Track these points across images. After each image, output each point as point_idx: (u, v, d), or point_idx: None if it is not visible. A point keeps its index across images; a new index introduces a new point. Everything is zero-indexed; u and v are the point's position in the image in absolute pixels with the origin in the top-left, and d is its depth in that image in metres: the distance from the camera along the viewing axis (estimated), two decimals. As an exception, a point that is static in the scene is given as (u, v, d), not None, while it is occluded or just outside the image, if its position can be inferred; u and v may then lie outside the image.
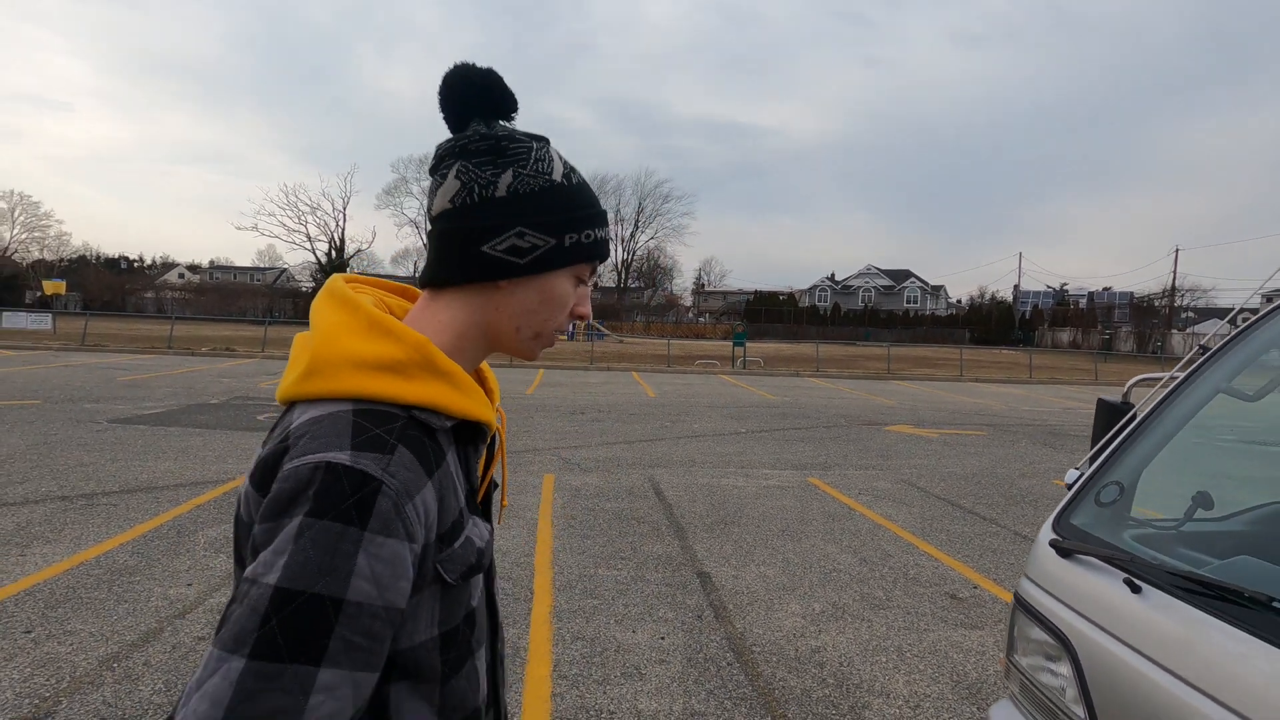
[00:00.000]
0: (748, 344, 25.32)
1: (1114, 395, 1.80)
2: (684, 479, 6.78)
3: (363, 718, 0.66)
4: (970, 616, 3.83)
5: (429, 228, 0.77)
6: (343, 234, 57.33)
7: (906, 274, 75.52)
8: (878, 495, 6.46)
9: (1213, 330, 1.63)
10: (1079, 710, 1.34)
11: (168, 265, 76.62)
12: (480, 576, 0.76)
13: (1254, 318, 1.51)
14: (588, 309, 0.82)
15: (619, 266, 66.65)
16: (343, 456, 0.61)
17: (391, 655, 0.66)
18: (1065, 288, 72.90)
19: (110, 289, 55.08)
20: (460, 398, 0.71)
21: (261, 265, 73.71)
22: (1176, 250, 52.58)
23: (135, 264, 76.16)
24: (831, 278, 77.17)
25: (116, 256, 75.00)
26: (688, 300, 75.97)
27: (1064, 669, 1.40)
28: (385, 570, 0.60)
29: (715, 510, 5.72)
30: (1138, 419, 1.59)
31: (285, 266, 70.28)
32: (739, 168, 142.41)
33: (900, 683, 3.10)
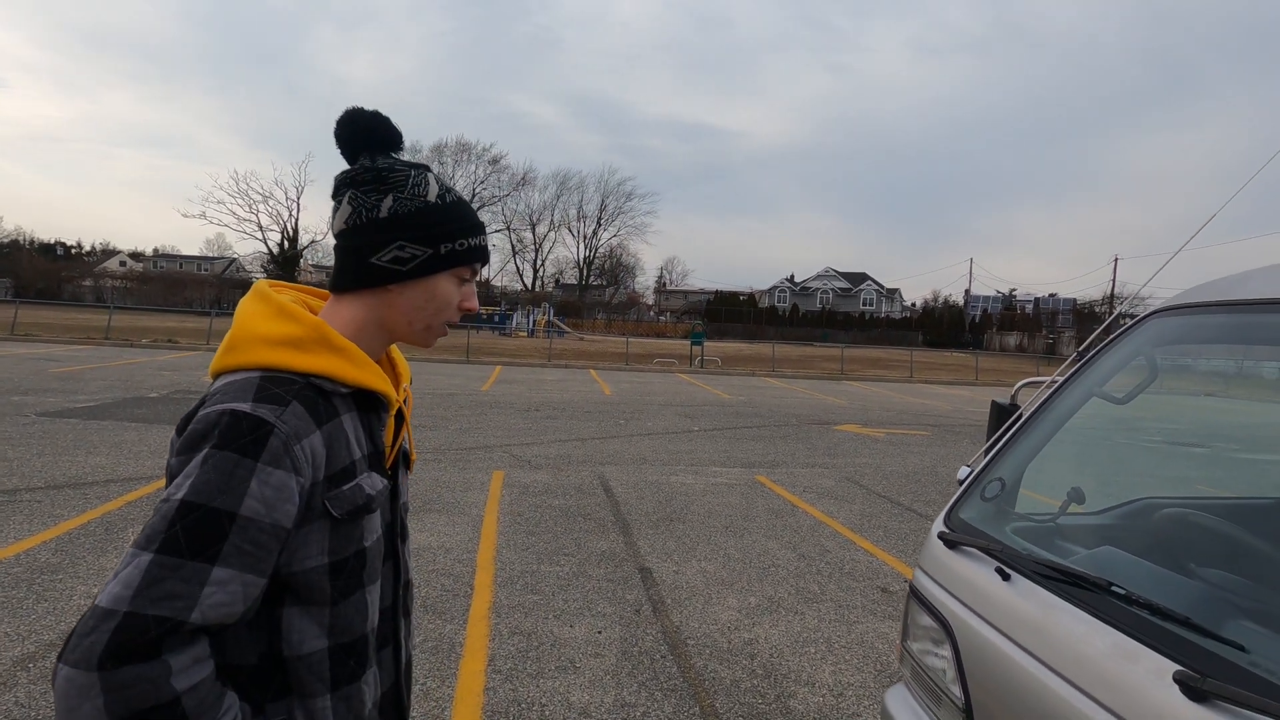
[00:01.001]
0: (706, 343, 25.57)
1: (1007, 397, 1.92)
2: (633, 476, 6.85)
3: (260, 638, 0.82)
4: (898, 609, 3.99)
5: (334, 243, 0.94)
6: (296, 224, 55.82)
7: (863, 277, 77.18)
8: (821, 493, 6.64)
9: (1091, 336, 1.76)
10: (956, 690, 1.44)
11: (108, 252, 73.50)
12: (375, 519, 0.91)
13: (1124, 326, 1.64)
14: (474, 303, 1.00)
15: (580, 264, 66.57)
16: (244, 406, 0.78)
17: (286, 578, 0.81)
18: (1014, 293, 75.49)
19: (45, 276, 52.47)
20: (353, 369, 0.87)
21: (210, 254, 71.31)
22: (1116, 259, 55.06)
23: (73, 250, 72.87)
24: (791, 279, 78.36)
25: (52, 242, 71.64)
26: (650, 299, 76.27)
27: (945, 652, 1.50)
28: (273, 494, 0.76)
29: (662, 507, 5.81)
30: (1023, 419, 1.71)
31: (235, 256, 68.05)
32: (704, 168, 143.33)
33: (826, 672, 3.22)
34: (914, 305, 75.99)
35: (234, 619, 0.75)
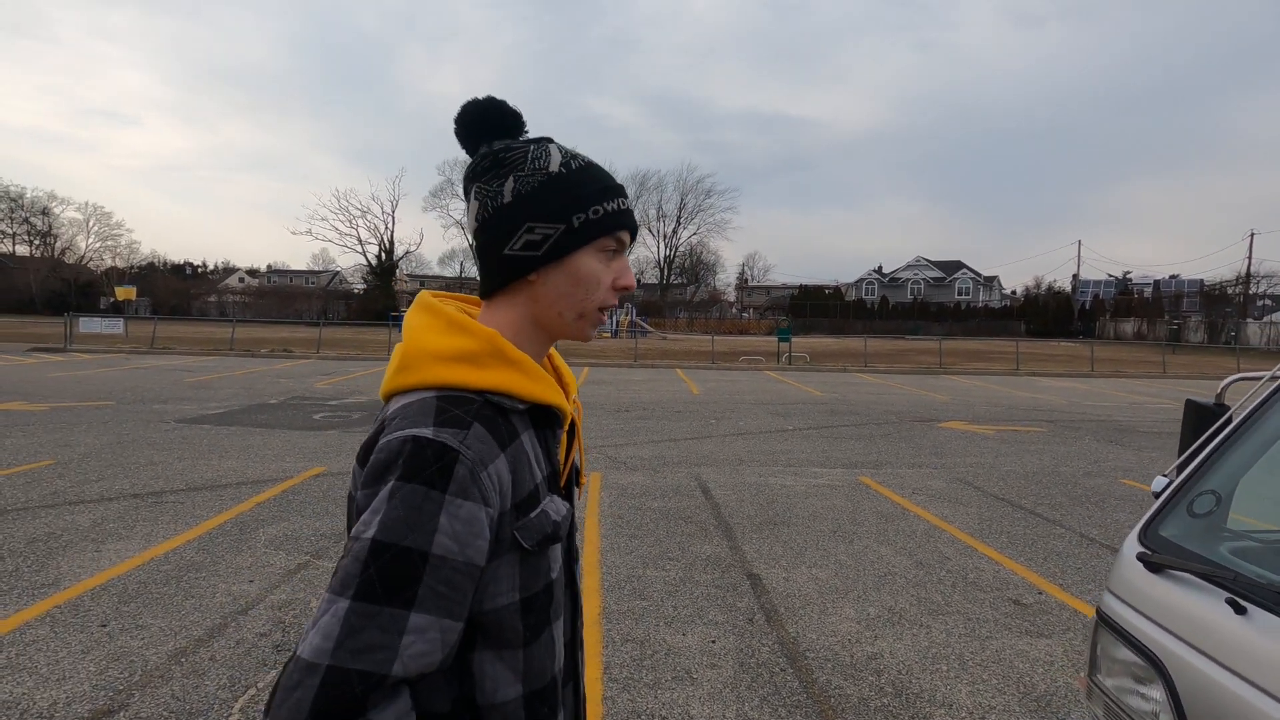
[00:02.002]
0: (793, 339, 24.96)
1: (1194, 392, 1.67)
2: (731, 477, 6.70)
3: (453, 683, 0.76)
4: (1035, 624, 3.67)
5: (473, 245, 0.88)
6: (392, 236, 58.78)
7: (958, 265, 73.31)
8: (932, 495, 6.26)
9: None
10: (1174, 739, 1.24)
11: (228, 270, 79.86)
12: (558, 548, 0.84)
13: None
14: (629, 279, 0.88)
15: (660, 263, 66.60)
16: (426, 431, 0.72)
17: (477, 618, 0.75)
18: (1128, 276, 69.71)
19: (176, 294, 57.68)
20: (530, 383, 0.80)
21: (315, 268, 76.15)
22: (1252, 234, 49.49)
23: (199, 269, 79.55)
24: (879, 270, 75.47)
25: (182, 263, 78.48)
26: (731, 296, 75.39)
27: (1156, 693, 1.30)
28: (463, 529, 0.70)
29: (764, 510, 5.63)
30: (1234, 422, 1.47)
31: (338, 269, 72.41)
32: (784, 160, 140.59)
33: (963, 693, 2.98)
34: (1014, 293, 71.50)
35: (433, 669, 0.70)
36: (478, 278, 0.89)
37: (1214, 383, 19.50)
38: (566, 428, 0.89)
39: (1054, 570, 4.47)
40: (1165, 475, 1.53)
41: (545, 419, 0.85)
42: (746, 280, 77.76)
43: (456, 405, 0.76)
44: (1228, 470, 1.43)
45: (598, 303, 0.86)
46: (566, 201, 0.82)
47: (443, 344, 0.80)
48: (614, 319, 41.01)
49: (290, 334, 31.01)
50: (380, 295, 53.64)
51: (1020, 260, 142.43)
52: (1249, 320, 46.99)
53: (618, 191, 0.86)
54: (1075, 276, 67.46)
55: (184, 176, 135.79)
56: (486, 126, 0.85)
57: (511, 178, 0.82)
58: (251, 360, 18.88)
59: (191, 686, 2.84)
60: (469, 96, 0.87)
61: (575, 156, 0.86)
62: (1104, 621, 1.46)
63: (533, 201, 0.82)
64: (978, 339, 43.32)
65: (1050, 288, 67.59)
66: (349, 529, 0.78)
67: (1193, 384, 19.08)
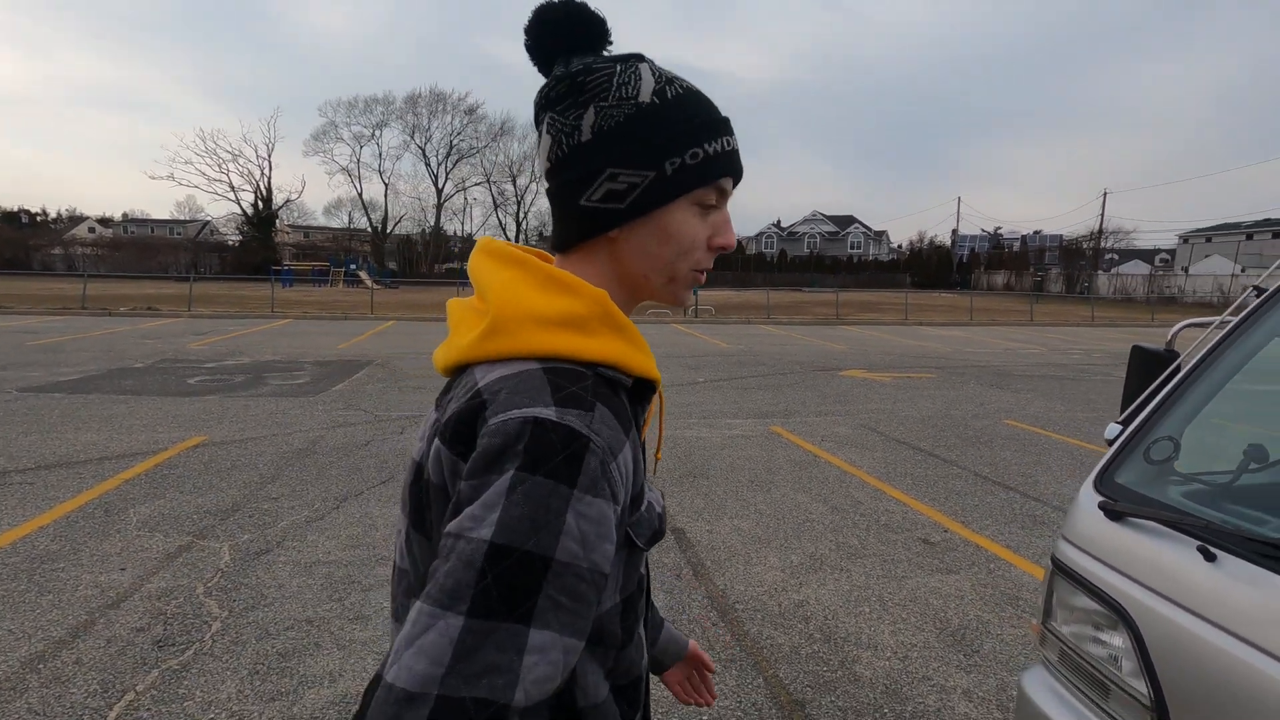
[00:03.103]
0: (699, 292, 25.23)
1: (1054, 339, 1.68)
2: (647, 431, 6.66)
3: (553, 696, 0.64)
4: (944, 561, 3.86)
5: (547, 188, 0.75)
6: (269, 183, 53.86)
7: (850, 220, 76.46)
8: (840, 441, 6.49)
9: (1268, 270, 1.51)
10: (1140, 685, 1.24)
11: (75, 219, 70.93)
12: None
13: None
14: (730, 237, 0.74)
15: (564, 215, 65.03)
16: (548, 412, 0.60)
17: None
18: (999, 231, 75.25)
19: (12, 245, 50.62)
20: (637, 354, 0.70)
21: (182, 217, 69.01)
22: (1105, 193, 54.47)
23: (38, 218, 70.26)
24: (778, 224, 77.50)
25: (16, 210, 68.96)
26: (635, 249, 74.89)
27: (1117, 640, 1.30)
28: (591, 530, 0.59)
29: (682, 463, 5.63)
30: (1184, 368, 1.47)
31: (208, 219, 65.80)
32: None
33: (886, 633, 3.07)
34: (900, 247, 75.61)
35: (551, 694, 0.59)
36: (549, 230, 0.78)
37: (1071, 330, 21.53)
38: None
39: (955, 508, 4.73)
40: (1118, 422, 1.52)
41: (640, 395, 0.73)
42: (650, 233, 77.43)
43: (571, 380, 0.63)
44: (1180, 416, 1.43)
45: (690, 265, 0.73)
46: (659, 142, 0.68)
47: (546, 305, 0.67)
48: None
49: (156, 290, 28.02)
50: (259, 248, 49.36)
51: (907, 215, 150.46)
52: (1099, 272, 52.09)
53: (722, 127, 0.71)
54: (954, 232, 72.03)
55: (15, 111, 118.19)
56: (563, 39, 0.71)
57: (592, 109, 0.68)
58: (109, 320, 16.91)
59: (53, 697, 2.46)
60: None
61: (672, 81, 0.71)
62: (1061, 570, 1.46)
63: (617, 141, 0.68)
64: (869, 291, 45.62)
65: (932, 242, 71.93)
66: (415, 522, 0.68)
67: (1055, 331, 20.93)
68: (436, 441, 0.65)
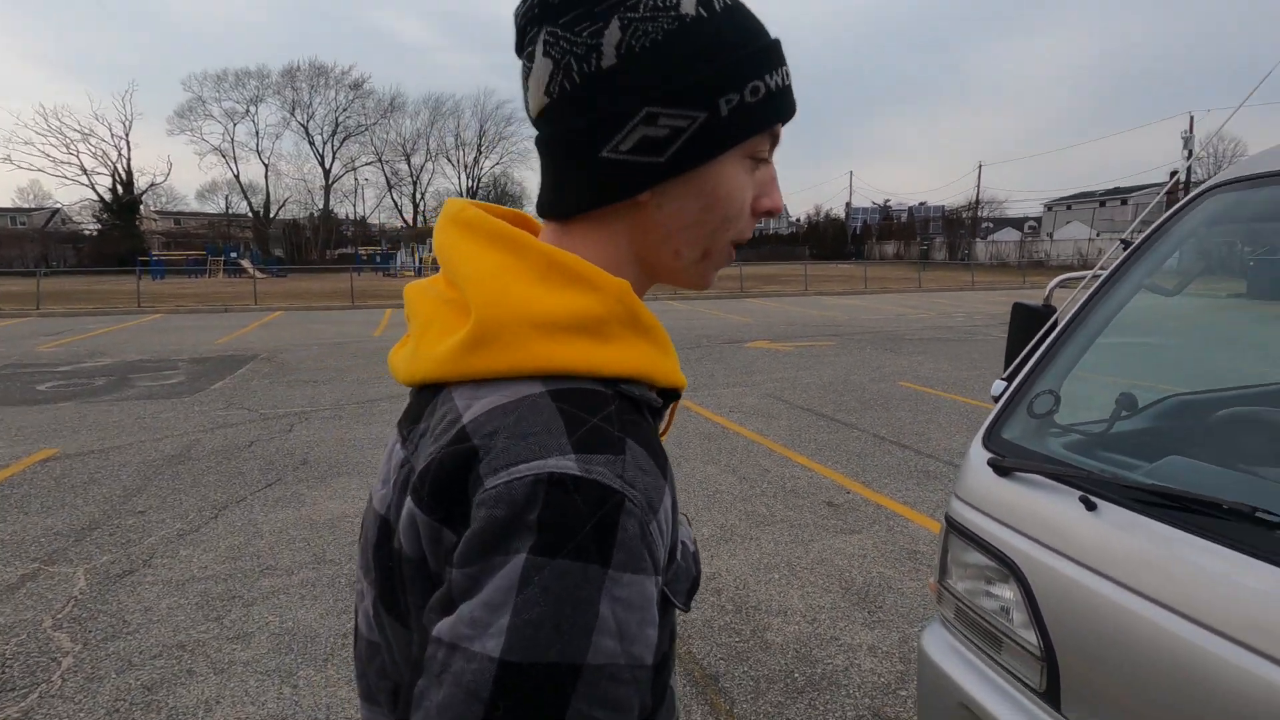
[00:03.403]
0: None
1: (941, 303, 1.71)
2: (556, 414, 6.53)
3: None
4: (847, 522, 3.98)
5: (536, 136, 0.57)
6: (129, 165, 48.72)
7: (751, 195, 78.05)
8: (747, 412, 6.60)
9: (1131, 226, 1.57)
10: (1030, 636, 1.26)
11: (-111, 209, 61.77)
12: None
13: (1173, 209, 1.45)
14: (778, 199, 0.58)
15: (464, 195, 62.93)
16: (569, 463, 0.44)
17: None
18: (889, 203, 79.21)
19: None
20: (666, 360, 0.55)
21: (26, 205, 61.56)
22: (980, 165, 58.52)
23: None
24: (681, 201, 78.01)
25: None
26: (540, 228, 73.61)
27: (1008, 592, 1.32)
28: (632, 619, 0.44)
29: (592, 443, 5.55)
30: (1060, 323, 1.51)
31: (58, 206, 58.99)
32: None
33: (795, 597, 3.12)
34: (799, 221, 78.21)
35: None
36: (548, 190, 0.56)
37: (955, 294, 23.00)
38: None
39: (856, 470, 4.90)
40: (1002, 379, 1.54)
41: (658, 408, 0.56)
42: (555, 212, 76.18)
43: (591, 408, 0.47)
44: (1059, 369, 1.47)
45: (733, 235, 0.57)
46: (712, 72, 0.51)
47: (552, 304, 0.50)
48: (417, 257, 38.37)
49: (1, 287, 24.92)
50: (122, 237, 44.73)
51: (804, 190, 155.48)
52: (978, 240, 55.92)
53: (779, 52, 0.55)
54: (848, 205, 75.25)
55: None
56: None
57: (616, 21, 0.50)
58: (-61, 323, 14.86)
59: None
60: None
61: None
62: (953, 528, 1.47)
63: (654, 68, 0.50)
64: (772, 264, 46.96)
65: (828, 215, 74.87)
66: (387, 606, 0.53)
67: (941, 295, 22.28)
68: (409, 503, 0.49)
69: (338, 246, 51.50)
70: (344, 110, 53.67)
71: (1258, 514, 0.97)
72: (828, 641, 2.78)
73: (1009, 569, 1.30)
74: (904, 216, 74.47)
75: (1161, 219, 1.44)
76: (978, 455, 1.44)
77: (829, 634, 2.84)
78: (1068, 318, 1.48)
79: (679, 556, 0.55)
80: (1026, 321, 1.57)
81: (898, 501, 4.28)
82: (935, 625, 1.57)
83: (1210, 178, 1.39)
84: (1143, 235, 1.46)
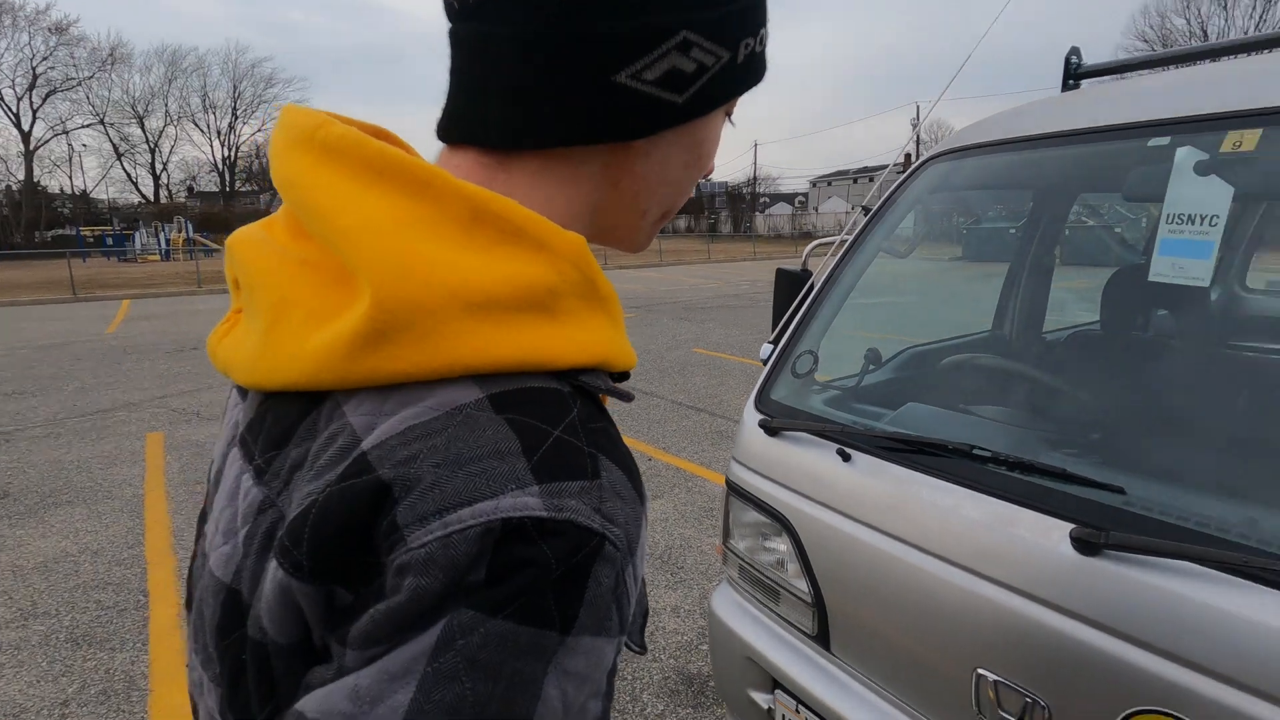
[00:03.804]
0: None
1: (729, 273, 1.80)
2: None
3: None
4: (650, 488, 4.09)
5: (457, 27, 0.42)
6: None
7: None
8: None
9: (869, 195, 1.70)
10: (802, 584, 1.33)
11: None
12: None
13: (901, 179, 1.59)
14: (712, 163, 0.52)
15: (219, 166, 54.86)
16: (530, 501, 0.32)
17: None
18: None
19: None
20: (622, 339, 0.42)
21: None
22: (755, 145, 63.81)
23: None
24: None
25: None
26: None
27: (781, 545, 1.38)
28: (579, 695, 0.34)
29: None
30: (816, 286, 1.60)
31: None
32: (367, 50, 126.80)
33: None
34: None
35: None
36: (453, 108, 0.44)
37: (740, 264, 24.93)
38: None
39: (656, 436, 5.07)
40: (770, 342, 1.61)
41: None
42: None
43: (547, 417, 0.35)
44: (816, 330, 1.55)
45: (686, 193, 0.51)
46: (739, 9, 0.43)
47: (486, 272, 0.36)
48: (163, 237, 32.88)
49: None
50: None
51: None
52: (758, 214, 61.16)
53: (766, 8, 0.47)
54: (641, 180, 77.76)
55: None
56: None
57: None
58: None
59: None
60: None
61: None
62: (733, 490, 1.51)
63: None
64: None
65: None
66: (231, 688, 0.39)
67: (728, 266, 24.01)
68: (276, 568, 0.35)
69: (50, 227, 42.45)
70: (45, 59, 43.79)
71: (974, 451, 1.08)
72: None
73: (781, 524, 1.35)
74: (693, 192, 78.78)
75: (893, 188, 1.58)
76: (750, 418, 1.48)
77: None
78: (821, 281, 1.58)
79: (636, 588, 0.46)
80: (788, 286, 1.66)
81: (695, 463, 4.49)
82: (724, 585, 1.62)
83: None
84: (879, 203, 1.59)
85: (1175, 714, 0.82)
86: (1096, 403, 1.38)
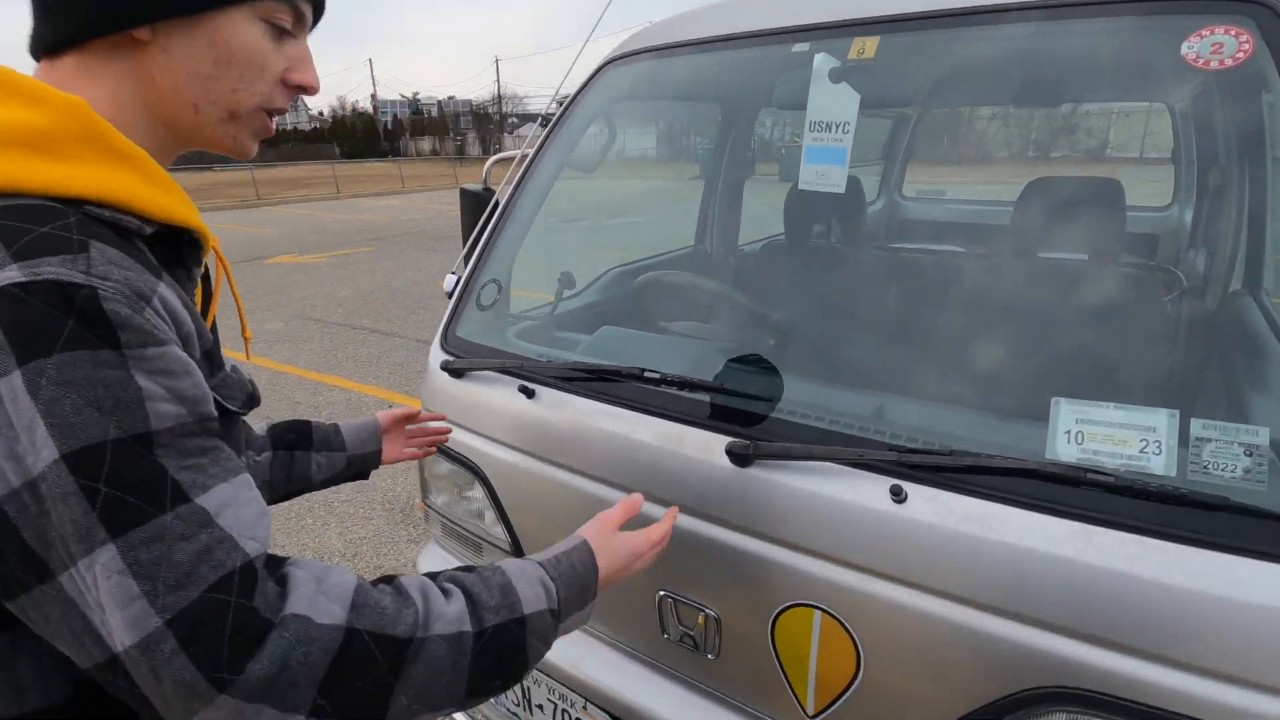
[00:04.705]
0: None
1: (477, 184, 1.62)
2: None
3: None
4: (390, 437, 3.79)
5: None
6: None
7: (255, 82, 66.39)
8: (272, 339, 5.72)
9: (547, 105, 1.56)
10: (499, 532, 1.24)
11: None
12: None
13: (579, 87, 1.47)
14: (312, 77, 0.61)
15: None
16: (12, 273, 0.44)
17: None
18: (418, 97, 76.77)
19: None
20: (155, 191, 0.53)
21: None
22: (497, 60, 60.59)
23: None
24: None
25: None
26: None
27: (476, 493, 1.27)
28: (181, 384, 0.48)
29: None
30: (501, 205, 1.44)
31: None
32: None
33: (333, 537, 2.84)
34: (322, 114, 70.20)
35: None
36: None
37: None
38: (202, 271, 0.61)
39: (398, 380, 4.70)
40: (454, 273, 1.44)
41: (174, 255, 0.56)
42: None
43: (34, 219, 0.46)
44: (503, 254, 1.41)
45: (259, 99, 0.57)
46: None
47: None
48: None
49: None
50: None
51: (322, 80, 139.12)
52: (506, 135, 58.98)
53: None
54: (374, 97, 70.29)
55: None
56: None
57: None
58: None
59: None
60: None
61: None
62: (425, 442, 1.34)
63: None
64: (295, 164, 41.39)
65: (355, 108, 68.96)
66: None
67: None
68: None
69: None
70: None
71: (645, 374, 1.04)
72: (374, 570, 2.60)
73: (473, 472, 1.24)
74: (434, 111, 73.41)
75: (571, 96, 1.46)
76: (435, 359, 1.32)
77: (374, 563, 2.66)
78: (504, 200, 1.43)
79: (229, 370, 0.59)
80: (473, 207, 1.48)
81: (440, 403, 4.25)
82: (430, 545, 1.48)
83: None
84: (558, 113, 1.46)
85: (817, 604, 0.87)
86: (774, 311, 1.44)
